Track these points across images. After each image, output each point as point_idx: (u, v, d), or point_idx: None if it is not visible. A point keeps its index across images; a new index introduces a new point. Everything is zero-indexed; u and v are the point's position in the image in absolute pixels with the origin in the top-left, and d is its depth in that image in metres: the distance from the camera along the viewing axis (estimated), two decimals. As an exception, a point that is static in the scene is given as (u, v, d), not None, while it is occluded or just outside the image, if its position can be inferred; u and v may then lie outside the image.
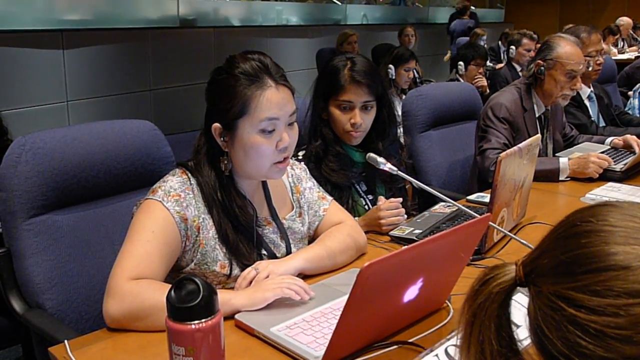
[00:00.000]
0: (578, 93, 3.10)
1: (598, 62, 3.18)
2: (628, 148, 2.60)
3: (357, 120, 1.88)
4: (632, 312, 0.58)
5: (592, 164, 2.31)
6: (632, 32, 9.33)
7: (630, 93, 4.26)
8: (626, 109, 3.61)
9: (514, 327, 0.71)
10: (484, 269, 0.73)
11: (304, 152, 1.92)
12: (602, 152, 2.45)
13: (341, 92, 1.88)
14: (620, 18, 9.19)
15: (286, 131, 1.40)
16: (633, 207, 0.65)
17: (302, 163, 1.87)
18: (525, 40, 5.34)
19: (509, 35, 6.60)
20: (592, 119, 3.28)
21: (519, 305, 0.72)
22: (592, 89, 3.37)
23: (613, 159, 2.42)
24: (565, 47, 2.48)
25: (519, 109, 2.53)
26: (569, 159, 2.37)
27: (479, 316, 0.70)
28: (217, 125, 1.39)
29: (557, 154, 2.63)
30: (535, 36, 5.56)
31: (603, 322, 0.59)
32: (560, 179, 2.35)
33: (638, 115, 3.49)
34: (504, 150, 2.33)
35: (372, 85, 1.89)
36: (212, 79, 1.42)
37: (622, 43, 8.80)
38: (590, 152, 2.40)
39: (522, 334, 0.70)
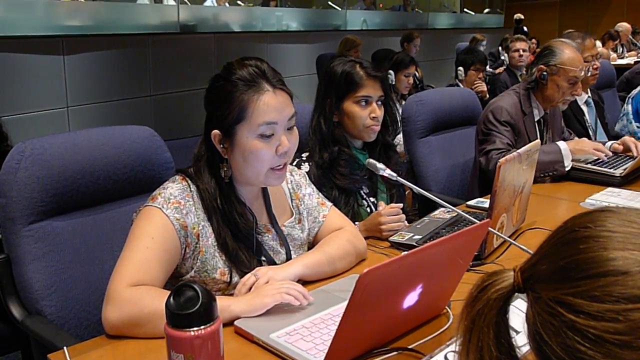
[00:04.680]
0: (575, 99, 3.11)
1: (595, 66, 3.19)
2: (627, 151, 2.60)
3: (378, 113, 1.94)
4: (631, 317, 0.58)
5: (588, 145, 2.42)
6: (631, 38, 9.35)
7: None
8: (621, 114, 3.61)
9: (513, 334, 0.71)
10: (482, 275, 0.73)
11: (307, 153, 1.93)
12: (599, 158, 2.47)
13: (359, 88, 1.93)
14: (619, 24, 9.22)
15: (285, 135, 1.39)
16: (631, 212, 0.65)
17: (304, 166, 1.88)
18: (514, 44, 5.36)
19: (506, 41, 6.64)
20: (589, 124, 3.29)
21: (518, 311, 0.72)
22: (589, 94, 3.37)
23: (612, 164, 2.43)
24: (568, 53, 2.49)
25: (519, 113, 2.54)
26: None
27: (478, 323, 0.70)
28: (216, 132, 1.39)
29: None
30: (523, 37, 5.60)
31: (602, 327, 0.59)
32: (566, 164, 2.37)
33: (633, 122, 3.50)
34: (508, 150, 2.36)
35: (384, 81, 1.99)
36: (210, 87, 1.42)
37: (621, 48, 8.82)
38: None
39: (521, 340, 0.70)
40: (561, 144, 2.42)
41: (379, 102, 1.96)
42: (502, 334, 0.69)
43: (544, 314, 0.64)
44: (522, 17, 11.48)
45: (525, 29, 10.43)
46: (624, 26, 9.13)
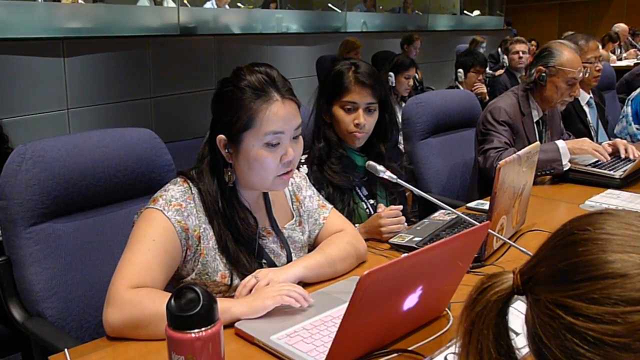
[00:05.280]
0: (577, 99, 3.11)
1: (597, 68, 3.20)
2: (615, 152, 2.58)
3: (361, 120, 1.91)
4: (629, 319, 0.58)
5: (588, 145, 2.41)
6: (630, 39, 9.37)
7: None
8: (620, 116, 3.62)
9: (513, 335, 0.71)
10: (481, 278, 0.74)
11: (306, 156, 1.93)
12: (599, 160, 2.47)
13: (346, 93, 1.92)
14: (616, 24, 9.24)
15: (291, 145, 1.40)
16: (629, 215, 0.66)
17: (304, 168, 1.88)
18: (514, 46, 5.38)
19: (505, 43, 6.66)
20: (591, 124, 3.29)
21: (518, 313, 0.72)
22: (591, 95, 3.38)
23: (612, 166, 2.43)
24: (567, 54, 2.50)
25: (517, 113, 2.55)
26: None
27: (478, 325, 0.70)
28: (221, 136, 1.39)
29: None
30: (523, 39, 5.63)
31: (601, 329, 0.59)
32: (564, 163, 2.37)
33: (633, 124, 3.50)
34: (506, 149, 2.37)
35: (376, 87, 1.94)
36: (218, 90, 1.42)
37: (619, 50, 8.83)
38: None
39: (521, 342, 0.70)
40: (559, 142, 2.42)
41: (370, 109, 1.94)
42: (502, 335, 0.70)
43: (543, 316, 0.64)
44: (510, 19, 11.64)
45: (514, 31, 10.50)
46: (620, 27, 9.14)
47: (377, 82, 1.96)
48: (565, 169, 2.39)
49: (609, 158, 2.43)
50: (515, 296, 0.70)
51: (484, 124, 2.52)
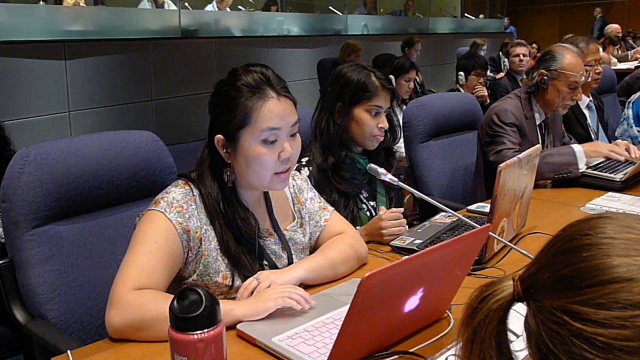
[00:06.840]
0: (576, 103, 3.12)
1: (597, 71, 3.21)
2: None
3: (386, 124, 1.99)
4: (638, 323, 0.58)
5: (603, 147, 2.42)
6: (631, 42, 9.38)
7: None
8: (621, 119, 3.62)
9: (512, 338, 0.71)
10: (480, 286, 0.73)
11: (307, 158, 1.94)
12: (599, 163, 2.47)
13: (373, 97, 1.97)
14: (608, 26, 9.27)
15: (288, 142, 1.40)
16: (628, 218, 0.65)
17: (304, 171, 1.89)
18: (514, 49, 5.40)
19: (506, 46, 6.68)
20: (592, 127, 3.30)
21: (517, 315, 0.72)
22: (590, 98, 3.39)
23: (612, 168, 2.43)
24: (569, 58, 2.51)
25: (522, 116, 2.55)
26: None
27: (480, 334, 0.70)
28: (219, 136, 1.40)
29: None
30: (523, 42, 5.65)
31: (610, 334, 0.59)
32: (580, 166, 2.38)
33: (634, 127, 3.51)
34: (518, 150, 2.37)
35: (394, 93, 2.04)
36: (214, 92, 1.43)
37: (616, 51, 8.84)
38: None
39: (520, 345, 0.71)
40: (575, 146, 2.44)
41: (385, 113, 2.00)
42: (503, 343, 0.69)
43: (550, 323, 0.64)
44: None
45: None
46: (613, 27, 9.17)
47: (394, 88, 2.06)
48: (581, 171, 2.40)
49: (626, 154, 2.44)
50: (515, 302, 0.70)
51: (490, 126, 2.52)
